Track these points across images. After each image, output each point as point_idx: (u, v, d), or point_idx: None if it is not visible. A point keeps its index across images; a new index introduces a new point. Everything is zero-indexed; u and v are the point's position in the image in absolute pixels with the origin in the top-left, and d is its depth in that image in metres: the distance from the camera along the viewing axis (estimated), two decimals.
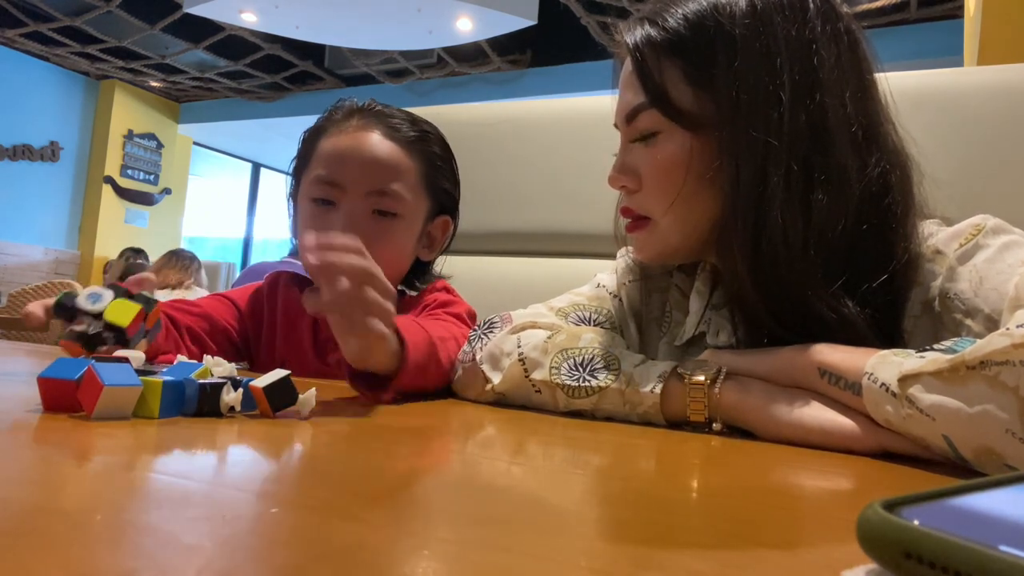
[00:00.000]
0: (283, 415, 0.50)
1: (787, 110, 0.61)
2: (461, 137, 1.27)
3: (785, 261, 0.60)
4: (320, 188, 0.91)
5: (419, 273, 1.01)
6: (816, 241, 0.61)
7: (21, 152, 6.41)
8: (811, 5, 0.64)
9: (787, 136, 0.61)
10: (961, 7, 3.37)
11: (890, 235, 0.63)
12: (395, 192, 0.90)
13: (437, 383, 0.73)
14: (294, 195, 0.97)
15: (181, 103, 7.44)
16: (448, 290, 0.98)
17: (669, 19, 0.65)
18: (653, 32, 0.66)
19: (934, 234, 0.65)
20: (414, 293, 0.99)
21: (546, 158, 1.24)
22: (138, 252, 5.13)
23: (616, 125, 0.72)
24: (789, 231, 0.60)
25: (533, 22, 4.72)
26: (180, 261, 4.03)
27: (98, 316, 0.63)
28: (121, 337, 0.64)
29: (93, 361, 0.44)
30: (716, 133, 0.63)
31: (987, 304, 0.57)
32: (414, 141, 0.94)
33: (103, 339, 0.63)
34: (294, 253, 1.85)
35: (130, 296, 0.66)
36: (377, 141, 0.92)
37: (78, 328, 0.63)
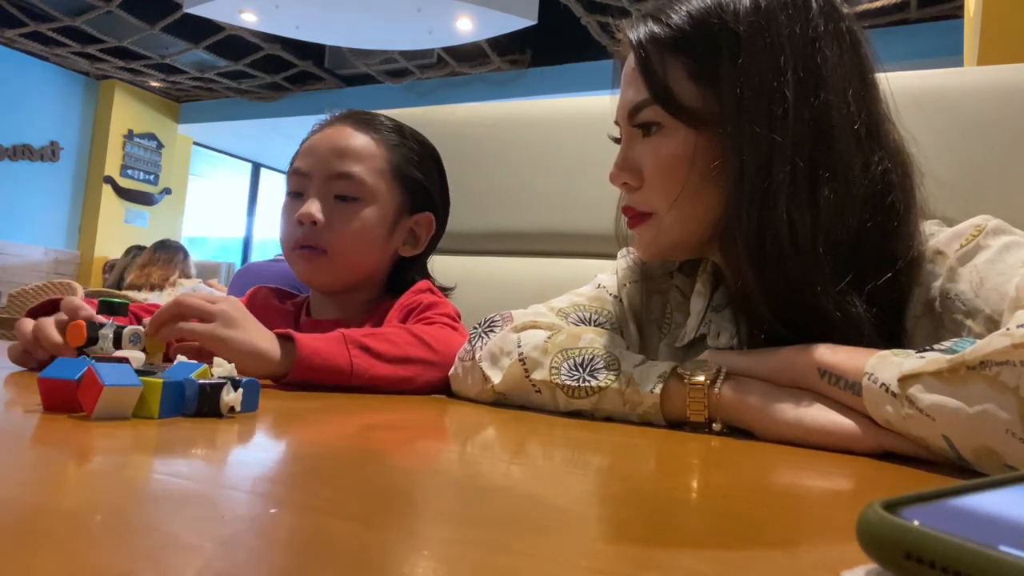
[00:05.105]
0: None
1: (791, 107, 0.61)
2: (461, 137, 1.27)
3: (791, 258, 0.60)
4: (292, 180, 0.96)
5: (403, 271, 1.00)
6: (824, 239, 0.61)
7: (21, 152, 6.41)
8: (814, 4, 0.64)
9: (791, 133, 0.61)
10: (961, 7, 3.38)
11: (893, 234, 0.63)
12: (355, 175, 0.93)
13: (380, 373, 0.73)
14: None
15: (181, 103, 7.43)
16: (432, 291, 0.96)
17: (673, 16, 0.65)
18: (657, 29, 0.66)
19: (935, 235, 0.65)
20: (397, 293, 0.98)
21: (546, 158, 1.24)
22: (142, 250, 5.15)
23: (617, 122, 0.72)
24: (797, 228, 0.60)
25: (533, 22, 4.71)
26: (165, 254, 4.07)
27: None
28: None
29: (93, 361, 0.44)
30: (720, 130, 0.63)
31: (988, 305, 0.57)
32: (385, 132, 0.98)
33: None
34: None
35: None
36: (344, 132, 0.96)
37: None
